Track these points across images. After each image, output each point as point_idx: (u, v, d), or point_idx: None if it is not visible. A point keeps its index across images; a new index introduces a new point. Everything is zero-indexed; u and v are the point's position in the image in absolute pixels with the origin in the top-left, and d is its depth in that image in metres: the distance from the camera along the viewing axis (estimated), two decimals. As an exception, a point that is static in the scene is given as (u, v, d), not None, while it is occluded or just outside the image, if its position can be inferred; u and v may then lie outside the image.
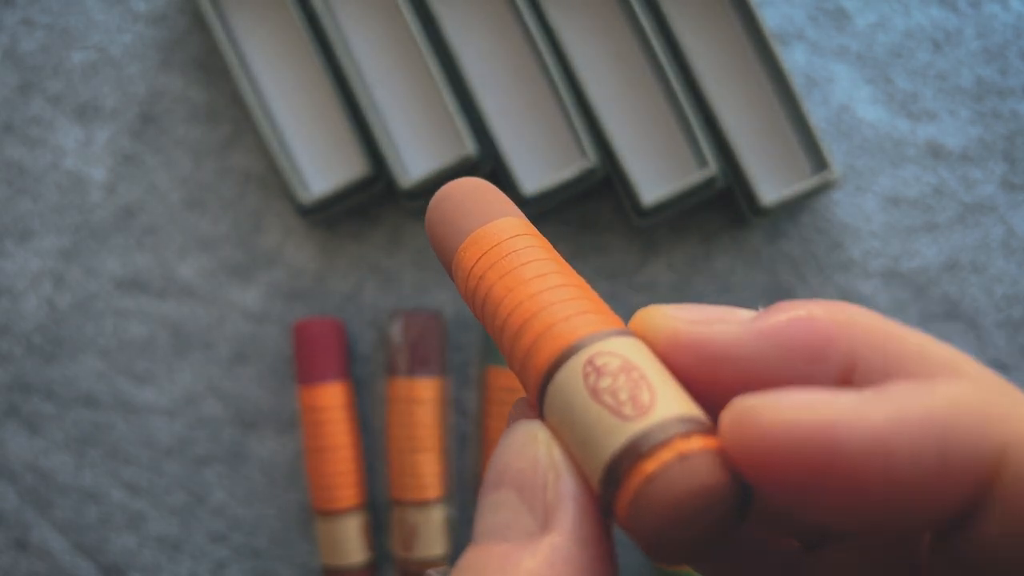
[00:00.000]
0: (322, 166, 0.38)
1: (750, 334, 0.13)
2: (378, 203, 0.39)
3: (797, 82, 0.39)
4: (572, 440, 0.13)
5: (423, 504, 0.37)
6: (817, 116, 0.39)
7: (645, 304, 0.39)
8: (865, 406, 0.11)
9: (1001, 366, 0.38)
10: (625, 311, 0.39)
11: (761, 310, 0.14)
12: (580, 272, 0.40)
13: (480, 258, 0.16)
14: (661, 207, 0.36)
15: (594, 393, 0.13)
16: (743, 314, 0.14)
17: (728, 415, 0.12)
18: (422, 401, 0.37)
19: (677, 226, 0.39)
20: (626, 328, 0.14)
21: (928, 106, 0.39)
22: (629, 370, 0.13)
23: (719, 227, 0.39)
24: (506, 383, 0.37)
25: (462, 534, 0.39)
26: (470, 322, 0.39)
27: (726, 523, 0.12)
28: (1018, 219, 0.38)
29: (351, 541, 0.37)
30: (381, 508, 0.39)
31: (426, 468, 0.37)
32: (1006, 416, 0.11)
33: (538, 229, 0.40)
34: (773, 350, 0.13)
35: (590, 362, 0.13)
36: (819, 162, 0.36)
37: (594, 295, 0.15)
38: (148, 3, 0.40)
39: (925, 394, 0.11)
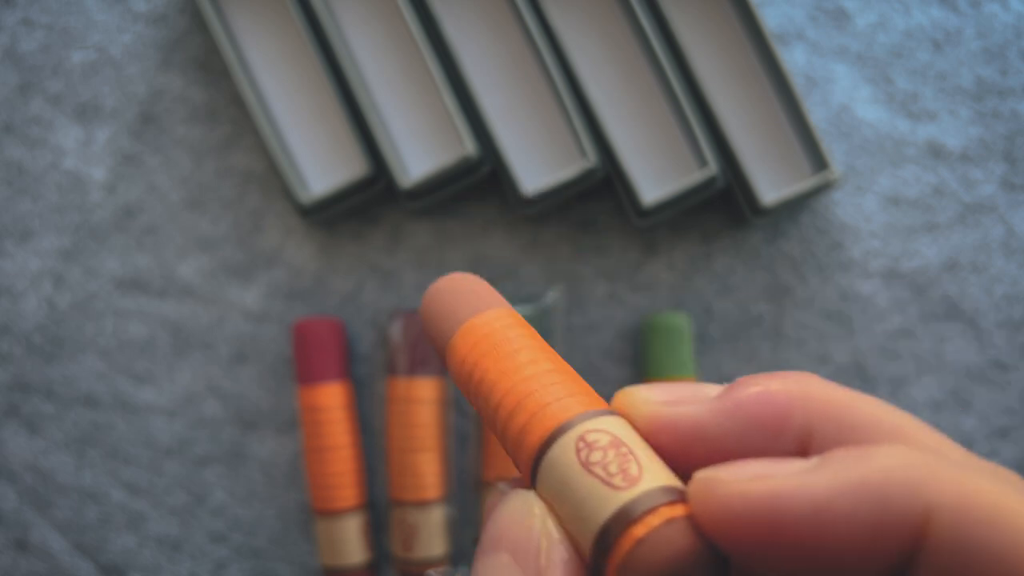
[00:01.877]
0: (322, 166, 0.38)
1: (714, 413, 0.15)
2: (378, 203, 0.39)
3: (797, 82, 0.39)
4: (565, 511, 0.14)
5: (423, 504, 0.37)
6: (817, 116, 0.39)
7: (645, 304, 0.39)
8: (808, 475, 0.13)
9: (1001, 366, 0.38)
10: (625, 311, 0.39)
11: (726, 386, 0.15)
12: (580, 272, 0.40)
13: (474, 345, 0.17)
14: (661, 207, 0.36)
15: (586, 466, 0.14)
16: (710, 391, 0.15)
17: (692, 486, 0.13)
18: (422, 401, 0.37)
19: (677, 226, 0.39)
20: (611, 409, 0.16)
21: (928, 106, 0.39)
22: (618, 445, 0.14)
23: (719, 227, 0.39)
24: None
25: (462, 534, 0.39)
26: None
27: None
28: (1018, 219, 0.38)
29: (351, 541, 0.37)
30: (381, 508, 0.39)
31: (426, 468, 0.37)
32: (933, 479, 0.12)
33: (538, 229, 0.40)
34: (735, 426, 0.14)
35: (582, 438, 0.15)
36: (819, 162, 0.36)
37: (581, 379, 0.17)
38: (148, 3, 0.40)
39: (861, 461, 0.12)
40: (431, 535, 0.37)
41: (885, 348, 0.38)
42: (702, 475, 0.13)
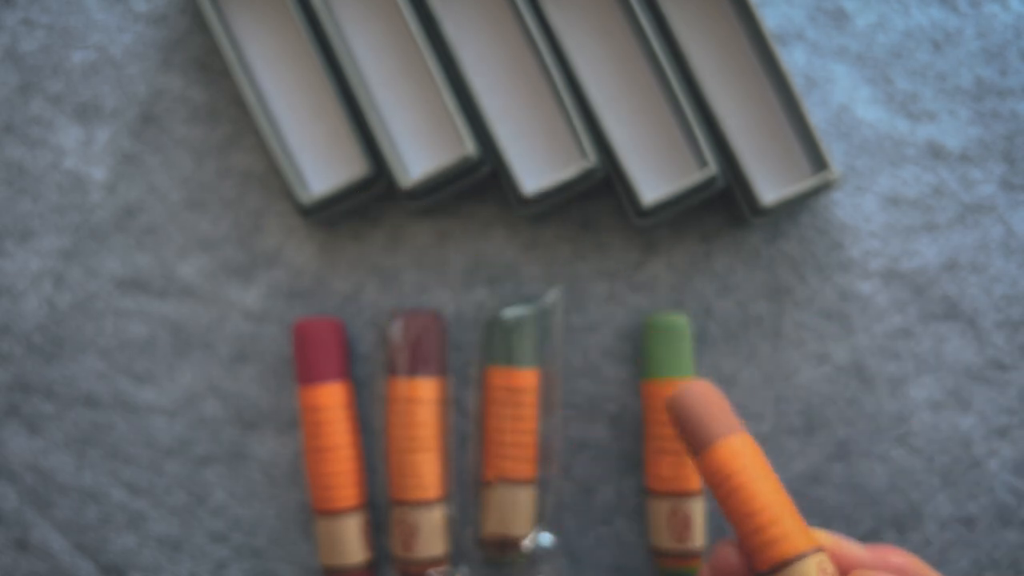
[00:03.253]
0: (322, 166, 0.38)
1: (867, 556, 0.28)
2: (378, 203, 0.39)
3: (797, 82, 0.39)
4: None
5: (423, 504, 0.37)
6: (817, 116, 0.39)
7: (645, 303, 0.39)
8: None
9: (1000, 366, 0.38)
10: (625, 311, 0.39)
11: (870, 546, 0.28)
12: (580, 272, 0.40)
13: (732, 458, 0.28)
14: (661, 207, 0.36)
15: None
16: (859, 548, 0.28)
17: None
18: (422, 401, 0.37)
19: (677, 226, 0.39)
20: (819, 544, 0.27)
21: (928, 106, 0.39)
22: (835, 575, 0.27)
23: (719, 227, 0.39)
24: (505, 383, 0.37)
25: (462, 534, 0.39)
26: (470, 322, 0.39)
27: None
28: (1017, 219, 0.39)
29: (351, 541, 0.37)
30: (381, 508, 0.39)
31: (426, 468, 0.37)
32: None
33: (538, 229, 0.40)
34: (881, 565, 0.28)
35: (821, 567, 0.26)
36: (819, 162, 0.36)
37: (794, 507, 0.28)
38: (148, 3, 0.40)
39: None
40: (431, 535, 0.37)
41: (884, 348, 0.38)
42: None
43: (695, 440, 0.28)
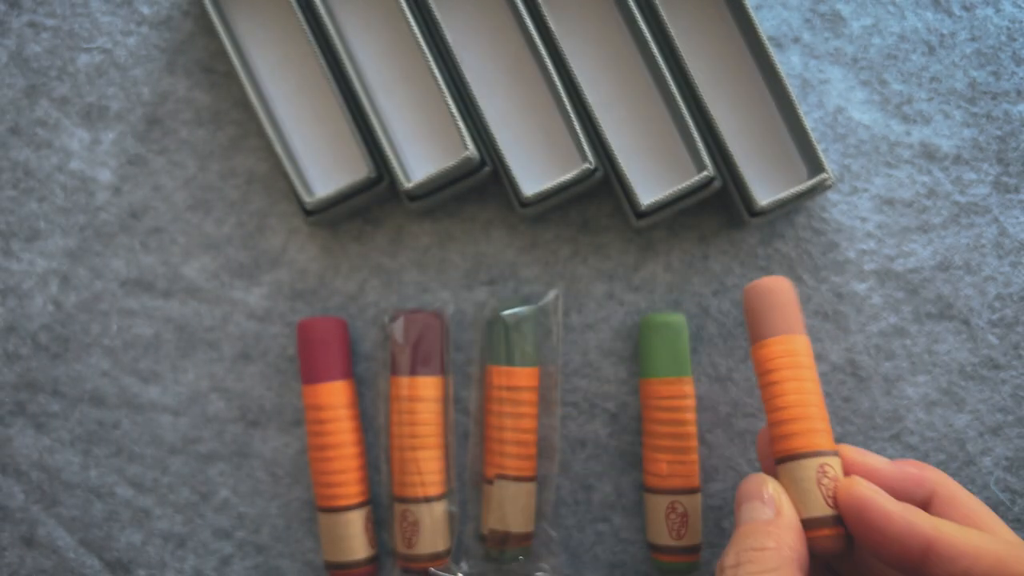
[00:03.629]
0: (325, 168, 0.38)
1: (891, 464, 0.29)
2: (380, 205, 0.40)
3: (792, 85, 0.39)
4: (793, 491, 0.29)
5: (425, 501, 0.37)
6: (812, 118, 0.39)
7: (643, 303, 0.39)
8: (958, 534, 0.26)
9: (994, 365, 0.39)
10: (623, 311, 0.39)
11: (897, 460, 0.30)
12: (579, 272, 0.40)
13: (783, 355, 0.30)
14: (658, 209, 0.36)
15: (818, 483, 0.28)
16: (883, 460, 0.30)
17: (862, 503, 0.28)
18: (424, 399, 0.37)
19: (674, 227, 0.39)
20: (836, 448, 0.29)
21: (922, 108, 0.39)
22: (835, 479, 0.28)
23: (716, 228, 0.39)
24: (505, 382, 0.37)
25: (463, 530, 0.39)
26: (470, 322, 0.39)
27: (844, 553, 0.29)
28: (1011, 220, 0.39)
29: (354, 538, 0.37)
30: (383, 505, 0.39)
31: (428, 465, 0.37)
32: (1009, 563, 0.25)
33: (538, 231, 0.41)
34: (900, 475, 0.29)
35: (822, 468, 0.28)
36: (814, 164, 0.36)
37: (826, 414, 0.30)
38: (153, 6, 0.40)
39: (990, 540, 0.26)
40: (433, 531, 0.37)
41: (879, 347, 0.39)
42: (876, 500, 0.27)
43: (753, 330, 0.31)
